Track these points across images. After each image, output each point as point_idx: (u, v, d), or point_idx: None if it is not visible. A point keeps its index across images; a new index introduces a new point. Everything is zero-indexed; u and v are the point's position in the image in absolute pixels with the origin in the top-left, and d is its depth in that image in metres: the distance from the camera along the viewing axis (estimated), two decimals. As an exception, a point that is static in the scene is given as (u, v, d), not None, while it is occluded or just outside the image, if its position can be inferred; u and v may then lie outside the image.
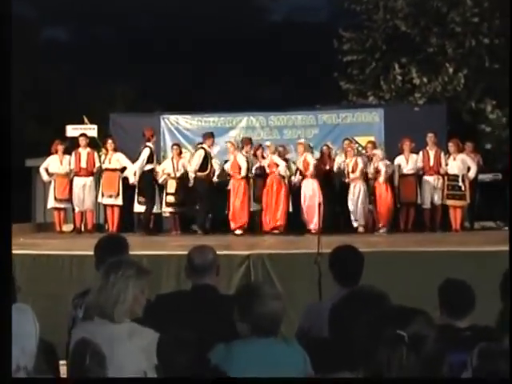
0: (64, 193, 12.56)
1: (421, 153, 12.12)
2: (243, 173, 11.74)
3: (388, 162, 11.84)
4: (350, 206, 11.79)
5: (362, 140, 13.37)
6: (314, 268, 5.78)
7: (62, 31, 60.97)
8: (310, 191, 11.68)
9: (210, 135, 12.26)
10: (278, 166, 11.77)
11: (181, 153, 12.59)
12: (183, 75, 33.39)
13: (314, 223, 11.19)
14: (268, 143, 12.52)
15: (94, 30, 40.67)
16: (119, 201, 12.42)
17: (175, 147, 12.65)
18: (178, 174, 12.26)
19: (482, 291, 4.06)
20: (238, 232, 11.52)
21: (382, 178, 11.67)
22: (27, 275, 7.22)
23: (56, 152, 12.62)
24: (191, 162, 11.95)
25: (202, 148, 11.95)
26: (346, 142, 12.53)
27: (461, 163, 11.73)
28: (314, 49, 28.76)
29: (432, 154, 11.97)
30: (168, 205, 12.25)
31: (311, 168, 11.73)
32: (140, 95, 27.53)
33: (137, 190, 12.19)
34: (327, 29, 23.00)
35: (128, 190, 12.40)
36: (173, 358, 2.63)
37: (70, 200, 12.60)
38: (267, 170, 11.87)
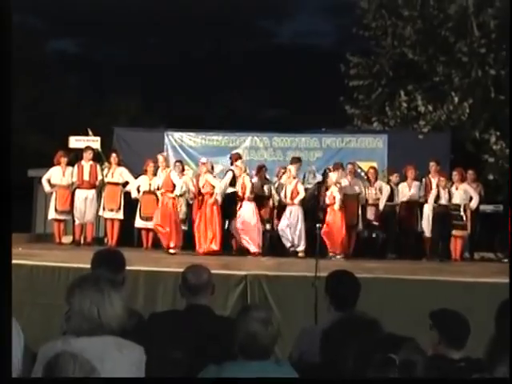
0: (65, 204, 12.56)
1: (423, 180, 12.15)
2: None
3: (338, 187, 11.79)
4: (286, 230, 11.76)
5: (365, 165, 13.38)
6: (311, 291, 5.78)
7: (68, 44, 61.35)
8: (250, 213, 11.66)
9: (237, 155, 12.33)
10: (213, 186, 11.68)
11: (183, 170, 12.59)
12: (188, 95, 33.52)
13: (256, 246, 11.44)
14: (204, 160, 12.43)
15: (101, 43, 40.86)
16: (120, 215, 12.43)
17: (178, 164, 12.63)
18: (181, 192, 12.20)
19: (478, 322, 4.04)
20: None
21: (336, 205, 11.57)
22: (23, 285, 7.21)
23: (59, 163, 12.63)
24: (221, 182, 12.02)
25: (231, 170, 12.06)
26: (350, 166, 12.58)
27: (463, 193, 11.74)
28: (320, 72, 28.90)
29: (434, 182, 11.97)
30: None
31: (248, 191, 11.68)
32: (145, 110, 27.64)
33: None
34: (334, 53, 23.16)
35: (129, 204, 12.43)
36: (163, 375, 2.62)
37: (70, 212, 12.61)
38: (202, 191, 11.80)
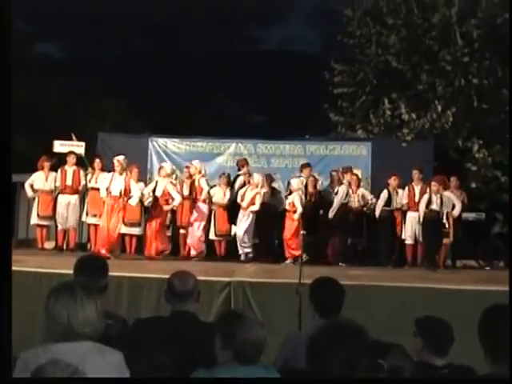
0: (47, 210, 12.49)
1: (406, 188, 12.17)
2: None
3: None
4: (243, 236, 11.89)
5: (349, 172, 13.41)
6: (295, 297, 5.78)
7: (53, 47, 61.10)
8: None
9: (244, 161, 12.37)
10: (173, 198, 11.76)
11: (190, 176, 12.50)
12: (174, 99, 33.47)
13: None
14: (164, 164, 12.63)
15: (87, 46, 40.71)
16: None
17: (187, 168, 12.61)
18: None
19: (461, 330, 4.06)
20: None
21: (296, 215, 11.66)
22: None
23: (42, 168, 12.56)
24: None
25: (239, 175, 12.28)
26: (333, 173, 12.64)
27: (446, 200, 11.76)
28: (305, 79, 28.97)
29: (417, 190, 12.01)
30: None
31: (204, 194, 11.92)
32: (131, 114, 27.57)
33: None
34: (319, 60, 23.19)
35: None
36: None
37: (53, 217, 12.53)
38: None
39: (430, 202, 11.53)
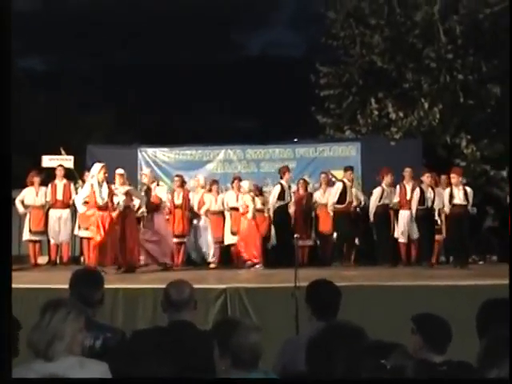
0: (39, 225, 12.44)
1: (398, 186, 12.17)
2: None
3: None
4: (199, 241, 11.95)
5: (339, 174, 13.44)
6: (291, 301, 5.77)
7: (35, 61, 60.88)
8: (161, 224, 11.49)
9: (286, 168, 12.31)
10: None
11: (182, 185, 12.46)
12: (161, 109, 33.47)
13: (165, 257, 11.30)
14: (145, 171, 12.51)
15: (71, 59, 40.62)
16: (96, 233, 12.30)
17: (177, 179, 12.51)
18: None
19: (458, 326, 4.06)
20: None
21: (250, 214, 11.61)
22: None
23: (32, 184, 12.52)
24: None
25: (280, 183, 12.09)
26: (323, 175, 12.67)
27: (437, 197, 11.77)
28: (291, 83, 29.01)
29: (409, 188, 12.00)
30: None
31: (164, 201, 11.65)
32: (117, 127, 27.49)
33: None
34: (304, 63, 23.24)
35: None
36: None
37: (45, 232, 12.49)
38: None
39: (423, 198, 11.51)
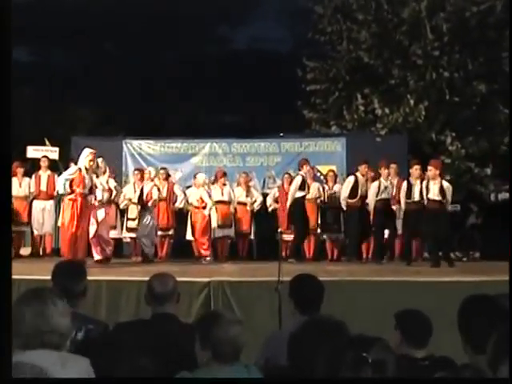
0: (23, 216, 12.37)
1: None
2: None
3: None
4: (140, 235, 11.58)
5: (324, 168, 13.47)
6: (274, 295, 5.78)
7: (22, 52, 60.50)
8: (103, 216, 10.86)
9: (305, 161, 12.12)
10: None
11: (142, 178, 12.45)
12: (146, 101, 33.38)
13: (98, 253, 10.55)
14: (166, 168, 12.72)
15: (57, 51, 40.42)
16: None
17: (137, 172, 12.49)
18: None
19: (438, 322, 4.09)
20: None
21: (206, 211, 11.64)
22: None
23: (15, 174, 12.43)
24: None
25: (300, 175, 11.81)
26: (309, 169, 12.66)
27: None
28: (277, 77, 29.02)
29: (394, 183, 11.87)
30: (128, 230, 12.06)
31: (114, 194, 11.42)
32: (102, 119, 27.39)
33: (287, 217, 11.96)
34: (291, 58, 23.27)
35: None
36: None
37: (28, 223, 12.42)
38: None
39: (410, 192, 10.80)
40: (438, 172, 10.57)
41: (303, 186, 11.73)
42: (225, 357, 2.89)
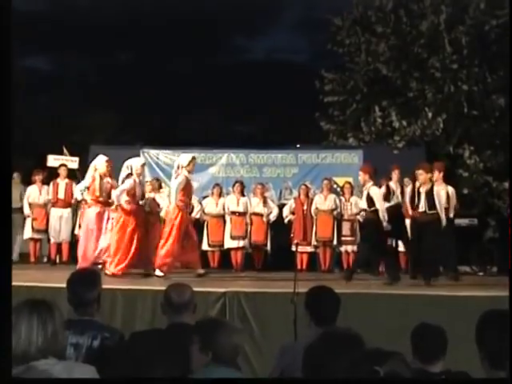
0: (41, 223, 12.46)
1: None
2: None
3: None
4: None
5: (341, 180, 13.45)
6: (290, 307, 5.77)
7: (39, 62, 60.92)
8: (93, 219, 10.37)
9: (396, 167, 11.89)
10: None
11: (160, 187, 12.51)
12: (164, 112, 33.47)
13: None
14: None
15: (74, 60, 40.62)
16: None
17: (154, 181, 12.53)
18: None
19: (455, 336, 4.06)
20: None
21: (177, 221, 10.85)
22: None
23: (35, 182, 12.56)
24: None
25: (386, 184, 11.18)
26: (325, 181, 12.63)
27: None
28: (296, 89, 29.00)
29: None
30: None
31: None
32: (119, 129, 27.51)
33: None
34: (309, 69, 23.28)
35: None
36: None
37: (46, 231, 12.51)
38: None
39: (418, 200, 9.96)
40: (441, 174, 10.57)
41: (388, 196, 10.83)
42: (224, 361, 3.01)
